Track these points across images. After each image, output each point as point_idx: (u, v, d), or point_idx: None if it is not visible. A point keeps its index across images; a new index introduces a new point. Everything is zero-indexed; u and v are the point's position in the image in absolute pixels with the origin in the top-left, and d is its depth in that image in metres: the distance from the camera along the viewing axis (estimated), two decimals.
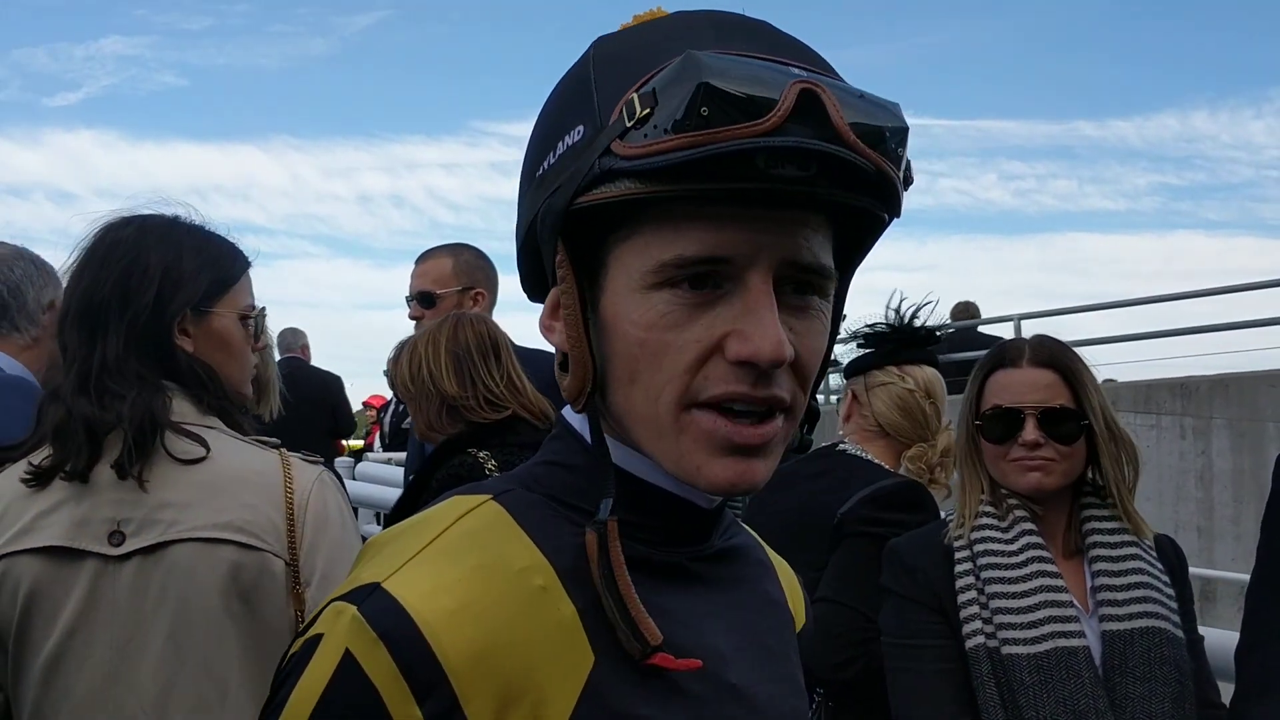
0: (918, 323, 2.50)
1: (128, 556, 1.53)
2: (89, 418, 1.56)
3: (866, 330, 2.53)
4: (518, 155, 0.90)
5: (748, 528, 1.04)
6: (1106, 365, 10.29)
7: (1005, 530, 1.91)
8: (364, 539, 1.66)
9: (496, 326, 2.59)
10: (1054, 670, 1.76)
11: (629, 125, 0.73)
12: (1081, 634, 1.79)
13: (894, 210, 0.81)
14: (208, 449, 1.60)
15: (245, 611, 1.58)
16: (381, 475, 5.85)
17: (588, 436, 0.86)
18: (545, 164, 0.81)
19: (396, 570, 0.78)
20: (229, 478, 1.60)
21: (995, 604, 1.84)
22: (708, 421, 0.78)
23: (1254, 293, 9.84)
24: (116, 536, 1.53)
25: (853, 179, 0.75)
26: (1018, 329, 10.67)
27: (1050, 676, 1.75)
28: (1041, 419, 1.89)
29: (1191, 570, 6.90)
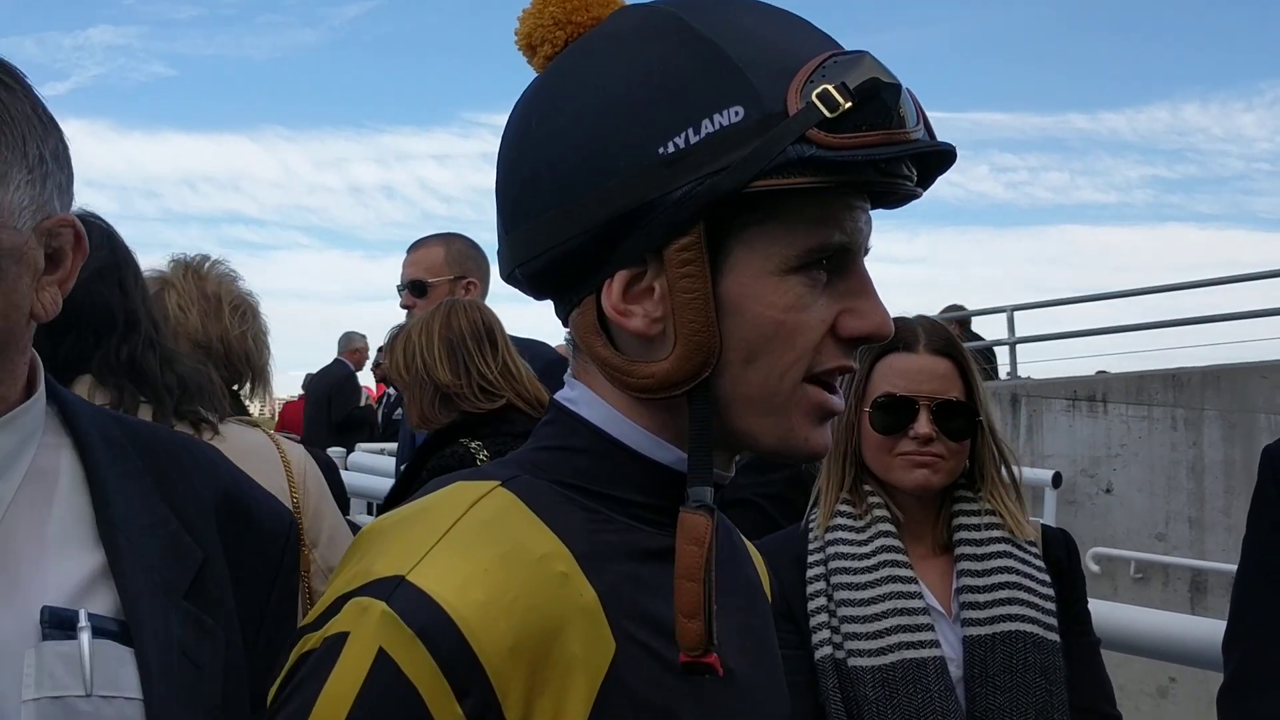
0: None
1: None
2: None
3: None
4: None
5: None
6: (1098, 357, 10.33)
7: (860, 531, 1.78)
8: (356, 529, 1.69)
9: (491, 313, 2.57)
10: (900, 684, 1.64)
11: (828, 115, 0.75)
12: (934, 643, 1.67)
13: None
14: (216, 425, 1.67)
15: None
16: (374, 465, 5.83)
17: (595, 419, 0.85)
18: (679, 141, 0.77)
19: (419, 561, 0.75)
20: (237, 451, 1.63)
21: (843, 612, 1.71)
22: (817, 395, 0.83)
23: (1245, 284, 9.87)
24: None
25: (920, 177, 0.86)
26: (1010, 321, 10.68)
27: (896, 690, 1.63)
28: (936, 412, 1.75)
29: (1183, 561, 6.90)
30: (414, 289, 3.27)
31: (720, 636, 0.85)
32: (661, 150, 0.77)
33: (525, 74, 0.89)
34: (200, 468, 1.04)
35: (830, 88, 0.75)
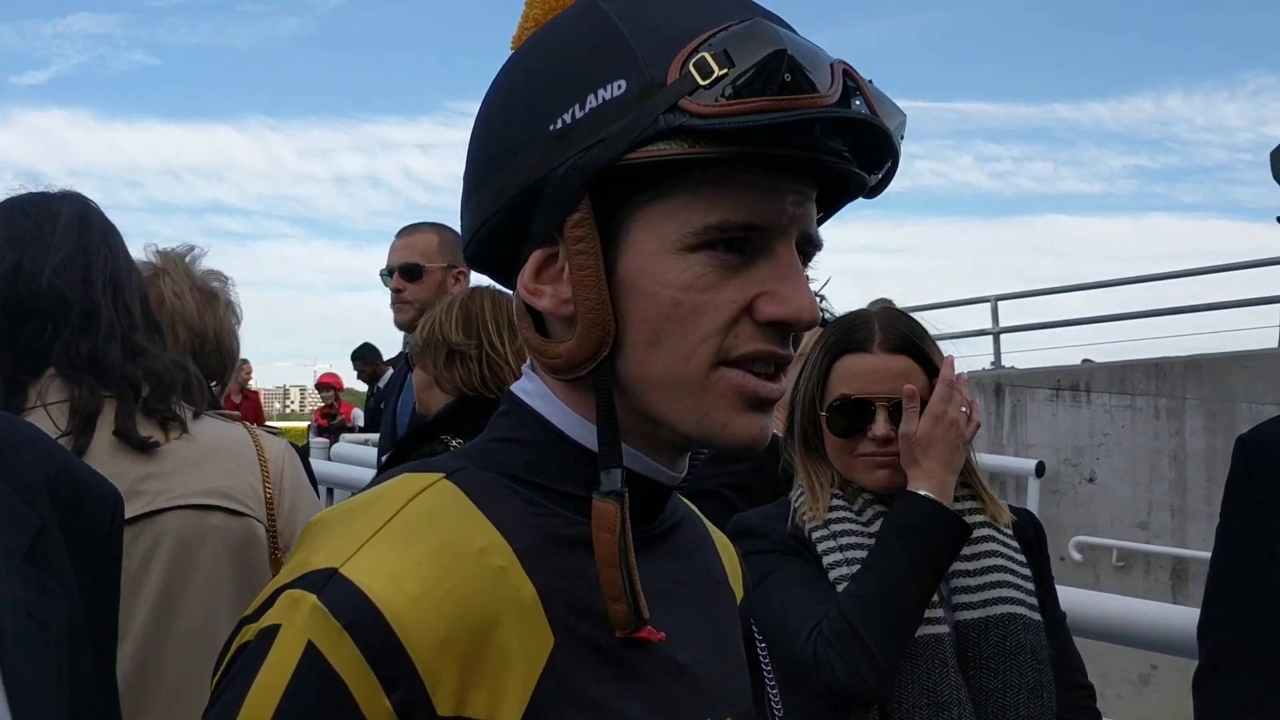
0: None
1: None
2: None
3: None
4: None
5: (687, 501, 1.03)
6: (1082, 346, 10.38)
7: (859, 513, 1.78)
8: None
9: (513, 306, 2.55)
10: (919, 658, 1.65)
11: (702, 84, 0.73)
12: (943, 620, 1.69)
13: (880, 190, 0.85)
14: (185, 423, 1.61)
15: (234, 576, 1.59)
16: (357, 456, 5.81)
17: (545, 412, 0.85)
18: (566, 117, 0.78)
19: (353, 554, 0.75)
20: (208, 448, 1.61)
21: None
22: (736, 377, 0.79)
23: (1227, 274, 9.93)
24: None
25: (872, 156, 0.81)
26: (994, 311, 10.72)
27: (915, 664, 1.65)
28: (893, 411, 1.74)
29: (1165, 550, 6.91)
30: (407, 272, 3.24)
31: (668, 628, 0.84)
32: (553, 126, 0.78)
33: None
34: (31, 445, 1.07)
35: (708, 55, 0.73)
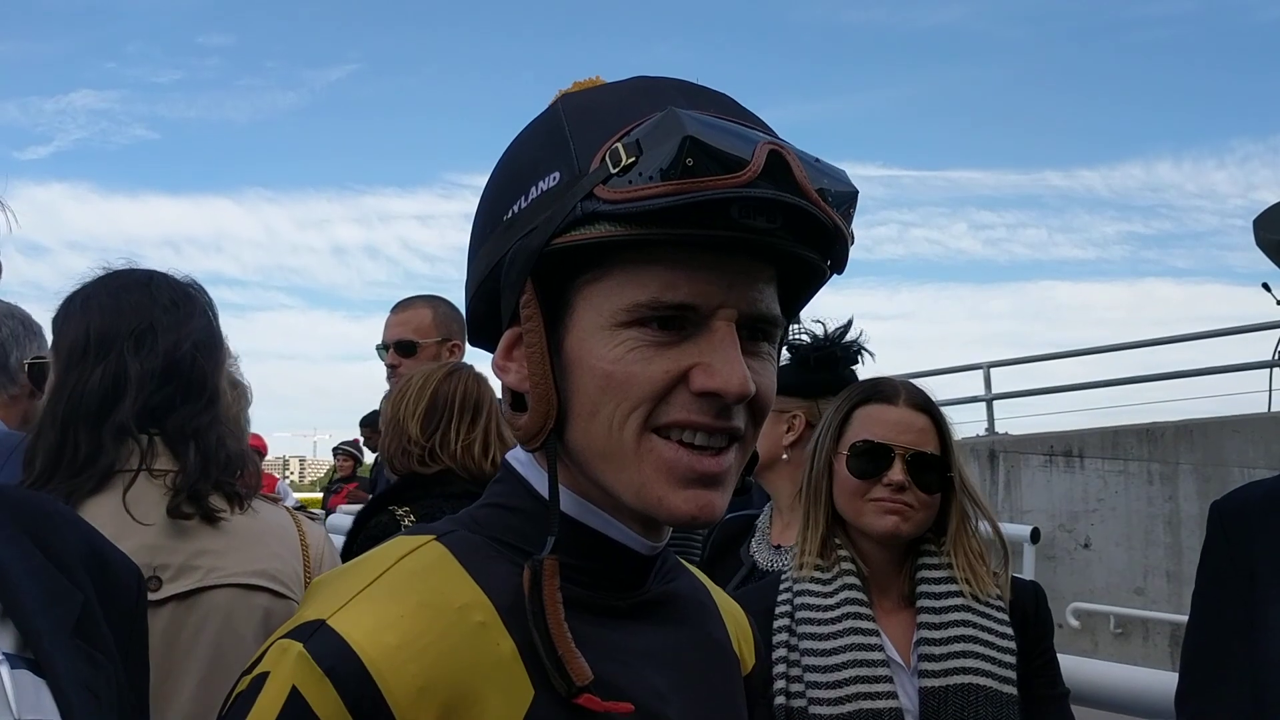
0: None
1: (163, 602, 1.56)
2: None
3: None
4: None
5: (696, 570, 1.06)
6: (1075, 412, 10.37)
7: (826, 584, 1.82)
8: None
9: (489, 390, 2.59)
10: None
11: (613, 172, 0.78)
12: (892, 694, 1.71)
13: (840, 265, 0.88)
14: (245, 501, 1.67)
15: None
16: (348, 527, 5.77)
17: (532, 480, 0.89)
18: (515, 208, 0.84)
19: (340, 608, 0.80)
20: (258, 530, 1.67)
21: (806, 661, 1.76)
22: (669, 451, 0.82)
23: (1219, 339, 9.98)
24: (153, 582, 1.56)
25: (810, 233, 0.83)
26: (986, 377, 10.76)
27: None
28: (910, 462, 1.80)
29: (1161, 615, 6.79)
30: (401, 348, 3.30)
31: (660, 689, 0.88)
32: (505, 217, 0.86)
33: (507, 136, 0.95)
34: (67, 523, 1.10)
35: (620, 146, 0.78)
